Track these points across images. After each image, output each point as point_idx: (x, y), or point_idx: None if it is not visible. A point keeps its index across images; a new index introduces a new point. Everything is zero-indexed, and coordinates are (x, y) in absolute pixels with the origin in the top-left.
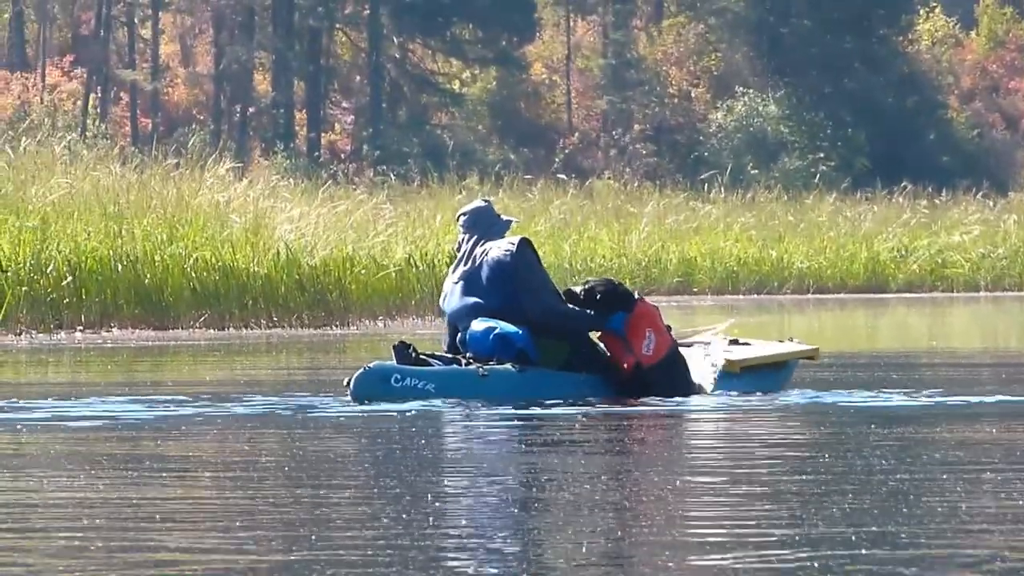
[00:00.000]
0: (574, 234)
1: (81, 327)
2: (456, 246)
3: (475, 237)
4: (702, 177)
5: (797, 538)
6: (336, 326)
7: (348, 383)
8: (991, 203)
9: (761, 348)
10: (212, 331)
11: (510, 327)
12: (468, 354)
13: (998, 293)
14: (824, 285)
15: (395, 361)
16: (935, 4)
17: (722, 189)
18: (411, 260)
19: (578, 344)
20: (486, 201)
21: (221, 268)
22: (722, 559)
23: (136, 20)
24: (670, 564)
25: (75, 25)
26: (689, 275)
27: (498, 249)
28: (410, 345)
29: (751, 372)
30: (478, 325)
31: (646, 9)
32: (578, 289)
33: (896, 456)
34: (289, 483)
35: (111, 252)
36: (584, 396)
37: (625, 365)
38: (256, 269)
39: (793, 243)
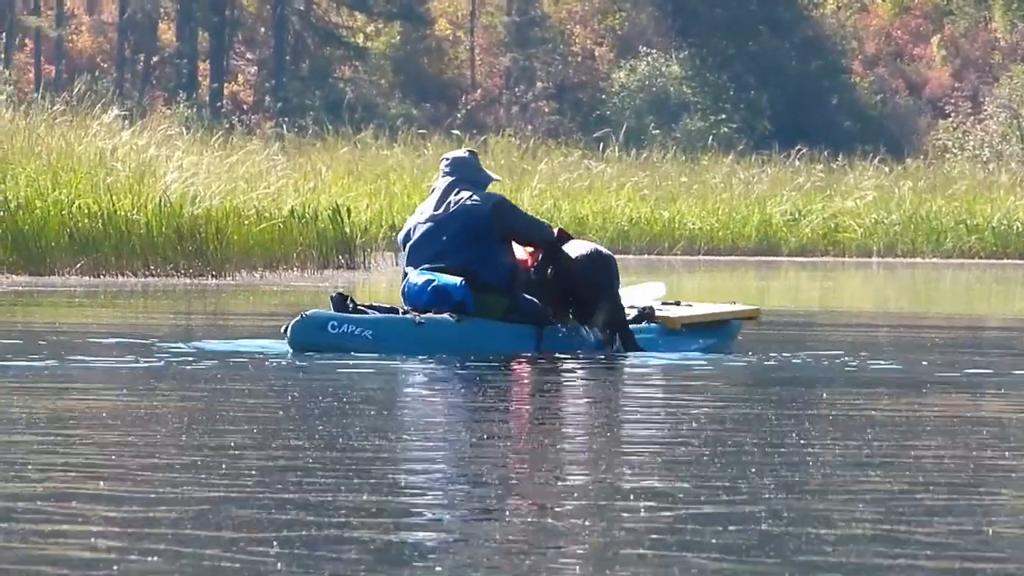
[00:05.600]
0: None
1: None
2: (431, 188)
3: (453, 179)
4: (596, 135)
5: (722, 495)
6: (212, 276)
7: (285, 330)
8: (887, 169)
9: (702, 308)
10: (87, 278)
11: (448, 279)
12: (406, 306)
13: (890, 259)
14: (715, 247)
15: (332, 311)
16: None
17: (616, 148)
18: (294, 213)
19: (517, 298)
20: (471, 152)
21: (101, 215)
22: (654, 515)
23: None
24: (601, 524)
25: None
26: (580, 234)
27: (472, 201)
28: (347, 296)
29: (693, 330)
30: (416, 278)
31: None
32: None
33: (797, 418)
34: (199, 431)
35: None
36: (522, 348)
37: (531, 261)
38: (136, 217)
39: (686, 204)
